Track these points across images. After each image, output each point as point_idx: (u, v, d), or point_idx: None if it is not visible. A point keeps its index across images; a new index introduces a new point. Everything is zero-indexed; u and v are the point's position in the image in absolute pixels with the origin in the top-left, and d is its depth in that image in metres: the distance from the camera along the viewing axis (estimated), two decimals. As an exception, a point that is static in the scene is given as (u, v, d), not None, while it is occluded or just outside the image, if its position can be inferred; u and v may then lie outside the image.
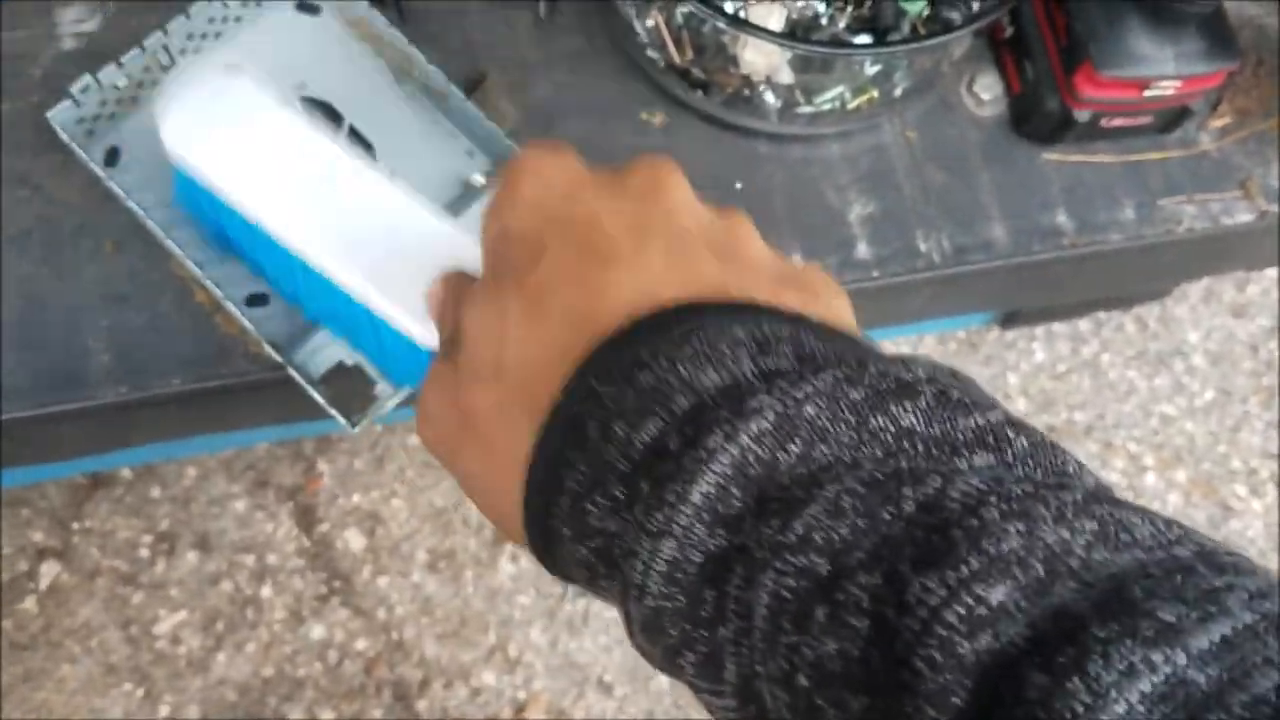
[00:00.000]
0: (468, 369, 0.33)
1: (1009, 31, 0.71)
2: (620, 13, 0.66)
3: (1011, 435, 0.27)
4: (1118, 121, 0.69)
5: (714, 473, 0.27)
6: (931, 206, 0.71)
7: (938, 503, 0.25)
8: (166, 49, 0.63)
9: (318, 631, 1.08)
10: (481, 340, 0.33)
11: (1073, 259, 0.73)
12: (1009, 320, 1.24)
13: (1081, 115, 0.67)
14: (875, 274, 0.70)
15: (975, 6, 0.66)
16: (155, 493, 1.10)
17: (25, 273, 0.61)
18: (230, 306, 0.58)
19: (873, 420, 0.27)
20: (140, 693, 1.05)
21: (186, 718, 1.05)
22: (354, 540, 1.11)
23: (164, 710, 1.05)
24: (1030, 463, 0.27)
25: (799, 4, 0.65)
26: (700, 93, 0.66)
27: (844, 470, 0.26)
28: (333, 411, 0.57)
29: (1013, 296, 0.96)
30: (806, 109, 0.66)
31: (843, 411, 0.27)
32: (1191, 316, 1.35)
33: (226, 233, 0.58)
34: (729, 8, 0.65)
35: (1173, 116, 0.71)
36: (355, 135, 0.65)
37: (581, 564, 0.30)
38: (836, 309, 0.33)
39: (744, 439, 0.27)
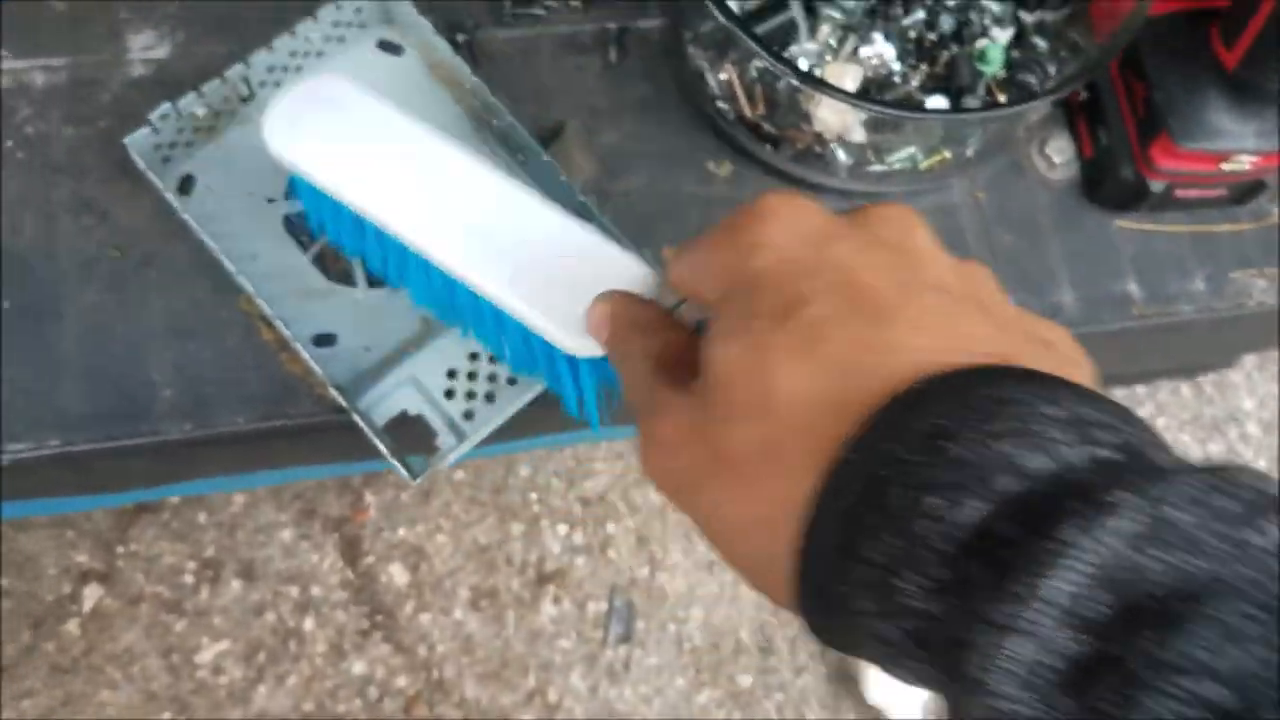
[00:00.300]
0: (722, 403, 0.32)
1: (1084, 96, 0.70)
2: (691, 63, 0.66)
3: None
4: (1192, 192, 0.68)
5: (1074, 569, 0.25)
6: (1000, 269, 0.70)
7: None
8: (247, 81, 0.63)
9: (359, 667, 1.07)
10: (739, 376, 0.31)
11: (1141, 329, 0.71)
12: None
13: (1156, 186, 0.67)
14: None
15: (1052, 70, 0.66)
16: (201, 518, 1.10)
17: (90, 301, 0.62)
18: (297, 346, 0.58)
19: (1249, 535, 0.25)
20: (179, 721, 1.05)
21: (223, 748, 1.05)
22: (398, 575, 1.11)
23: (201, 739, 1.05)
24: None
25: (874, 62, 0.64)
26: (770, 147, 0.65)
27: (1228, 588, 0.24)
28: (394, 463, 0.57)
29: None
30: (877, 167, 0.65)
31: (1213, 521, 0.25)
32: (1247, 383, 1.33)
33: (342, 235, 0.58)
34: (804, 65, 0.64)
35: (1247, 189, 0.70)
36: None
37: (882, 640, 0.28)
38: (1088, 371, 0.32)
39: (1105, 536, 0.25)
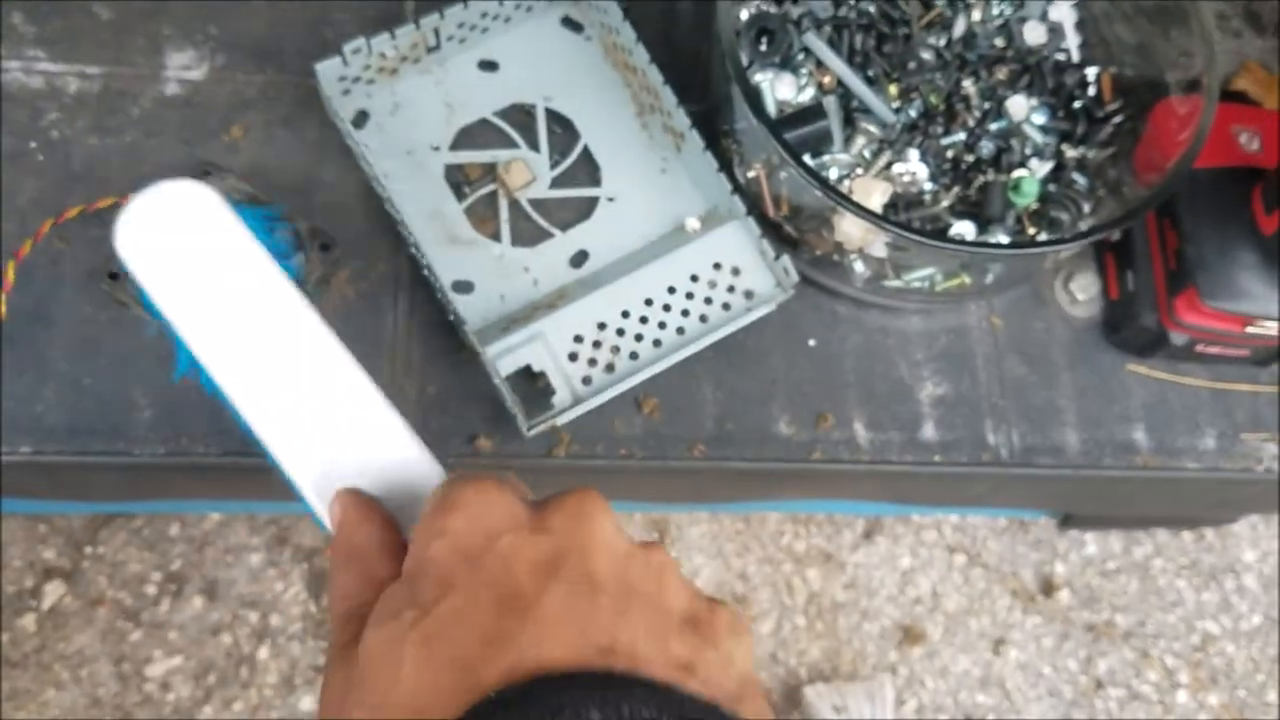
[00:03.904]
0: (358, 684, 0.34)
1: (1115, 236, 0.69)
2: (723, 153, 0.65)
3: None
4: (1213, 349, 0.67)
5: None
6: (1007, 399, 0.69)
7: None
8: (437, 31, 0.65)
9: (306, 703, 1.05)
10: (377, 666, 0.33)
11: (1143, 479, 0.70)
12: (1066, 521, 1.21)
13: (1178, 338, 0.65)
14: (938, 458, 0.67)
15: (1087, 207, 0.65)
16: (174, 530, 1.08)
17: (85, 314, 0.61)
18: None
19: None
20: (120, 732, 1.03)
21: (159, 765, 1.03)
22: (361, 615, 1.09)
23: (138, 753, 1.03)
24: None
25: (905, 179, 0.64)
26: (789, 248, 0.64)
27: None
28: (515, 411, 0.58)
29: (1075, 503, 0.94)
30: (894, 283, 0.64)
31: None
32: (1250, 535, 1.31)
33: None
34: (833, 174, 0.64)
35: (1271, 354, 0.69)
36: (587, 155, 0.68)
37: None
38: (731, 658, 0.33)
39: None
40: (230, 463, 0.60)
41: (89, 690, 1.03)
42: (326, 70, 0.62)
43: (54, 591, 1.04)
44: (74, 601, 1.04)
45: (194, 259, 0.48)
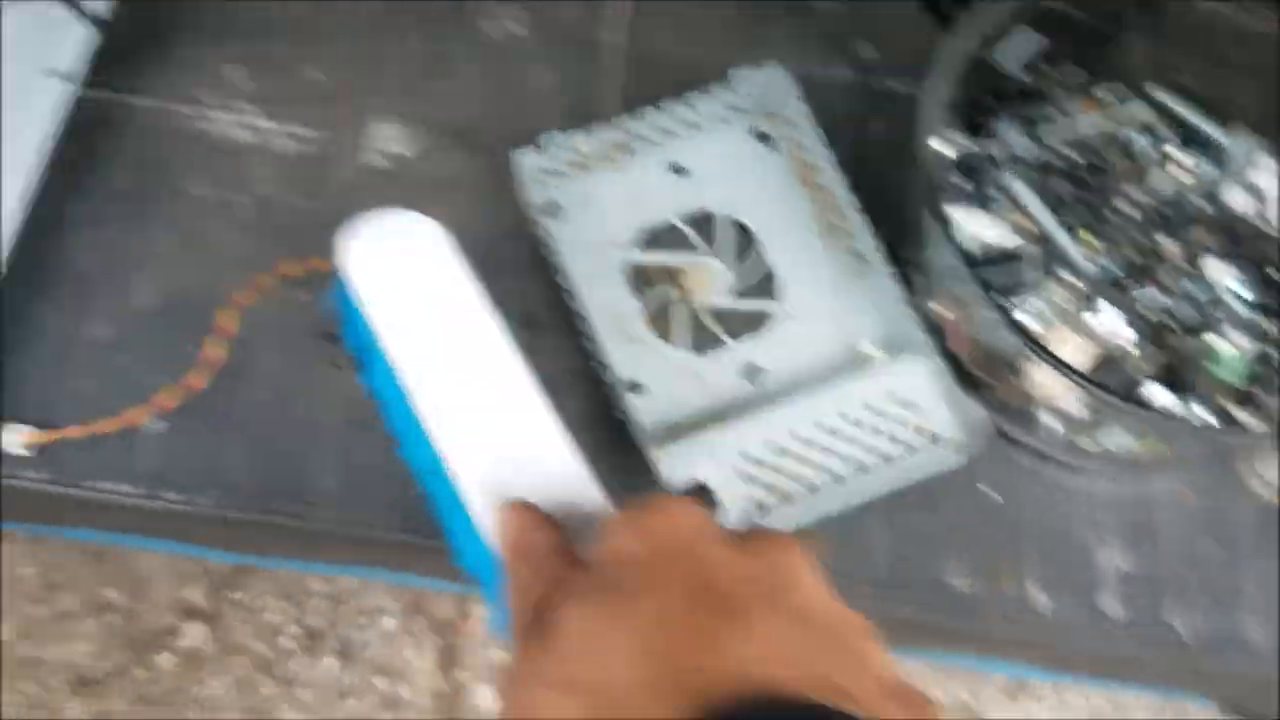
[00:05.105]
0: (559, 667, 0.33)
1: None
2: (908, 280, 0.63)
3: None
4: None
5: None
6: (1192, 580, 0.64)
7: None
8: (628, 130, 0.66)
9: (425, 783, 1.04)
10: (581, 649, 0.32)
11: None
12: (1235, 714, 1.12)
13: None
14: (1109, 630, 0.63)
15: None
16: (314, 585, 1.09)
17: (281, 374, 0.62)
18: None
19: None
20: (237, 787, 1.03)
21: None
22: (486, 699, 1.08)
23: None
24: None
25: (1101, 334, 0.60)
26: (970, 389, 0.62)
27: None
28: None
29: (1254, 702, 0.87)
30: (1084, 441, 0.61)
31: None
32: None
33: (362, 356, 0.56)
34: (1026, 321, 0.61)
35: None
36: (767, 268, 0.66)
37: None
38: None
39: None
40: (405, 540, 0.59)
41: (214, 738, 1.04)
42: (523, 159, 0.62)
43: (194, 633, 1.06)
44: (212, 646, 1.06)
45: (411, 278, 0.51)
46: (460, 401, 0.48)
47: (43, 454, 0.59)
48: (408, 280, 0.51)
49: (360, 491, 0.60)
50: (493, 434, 0.47)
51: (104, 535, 0.79)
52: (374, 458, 0.60)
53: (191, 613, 1.07)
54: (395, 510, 0.60)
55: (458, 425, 0.48)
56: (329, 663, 1.06)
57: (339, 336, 0.61)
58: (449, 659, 1.09)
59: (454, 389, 0.49)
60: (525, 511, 0.41)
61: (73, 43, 0.63)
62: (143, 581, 1.07)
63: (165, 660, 1.05)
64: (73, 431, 0.59)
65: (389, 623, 1.09)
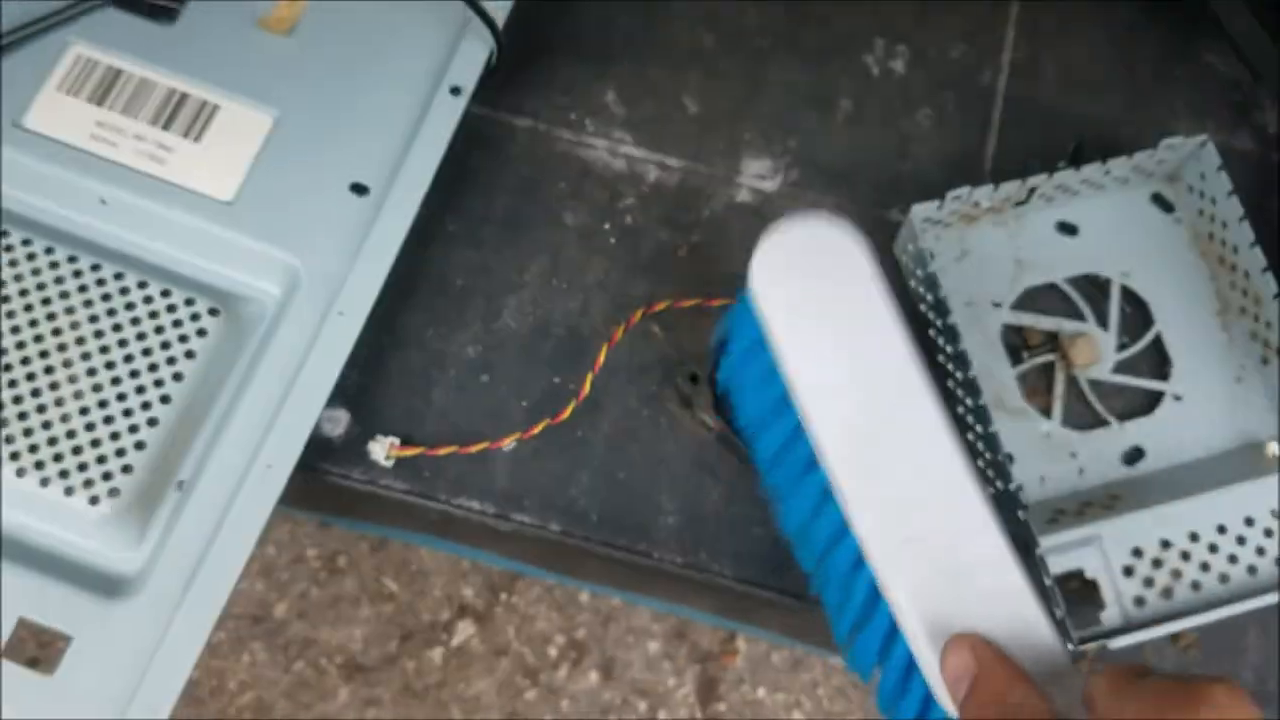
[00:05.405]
0: None
1: None
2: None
3: None
4: None
5: None
6: None
7: None
8: (1033, 190, 0.61)
9: (679, 812, 1.03)
10: None
11: None
12: None
13: None
14: None
15: None
16: (584, 598, 1.09)
17: (631, 408, 0.61)
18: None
19: None
20: (489, 789, 1.04)
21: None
22: (743, 735, 1.06)
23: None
24: None
25: None
26: None
27: None
28: (1064, 618, 0.52)
29: None
30: None
31: None
32: None
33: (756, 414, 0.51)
34: None
35: None
36: (1157, 344, 0.63)
37: None
38: None
39: None
40: (743, 590, 0.58)
41: (474, 737, 1.05)
42: (922, 211, 0.59)
43: (465, 630, 1.07)
44: (481, 646, 1.07)
45: (825, 308, 0.46)
46: (895, 500, 0.43)
47: (402, 464, 0.60)
48: (830, 320, 0.45)
49: (702, 533, 0.59)
50: (935, 547, 0.42)
51: (392, 531, 0.80)
52: (716, 499, 0.59)
53: (465, 610, 1.08)
54: (737, 556, 0.58)
55: (894, 533, 0.42)
56: (592, 677, 1.06)
57: (696, 377, 0.60)
58: (708, 691, 1.07)
59: (887, 483, 0.43)
60: (991, 655, 0.37)
61: (469, 57, 0.63)
62: (420, 575, 1.09)
63: (435, 655, 1.06)
64: (436, 450, 0.60)
65: (652, 646, 1.08)
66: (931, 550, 0.42)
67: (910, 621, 0.41)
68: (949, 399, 0.60)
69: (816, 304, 0.46)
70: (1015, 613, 0.41)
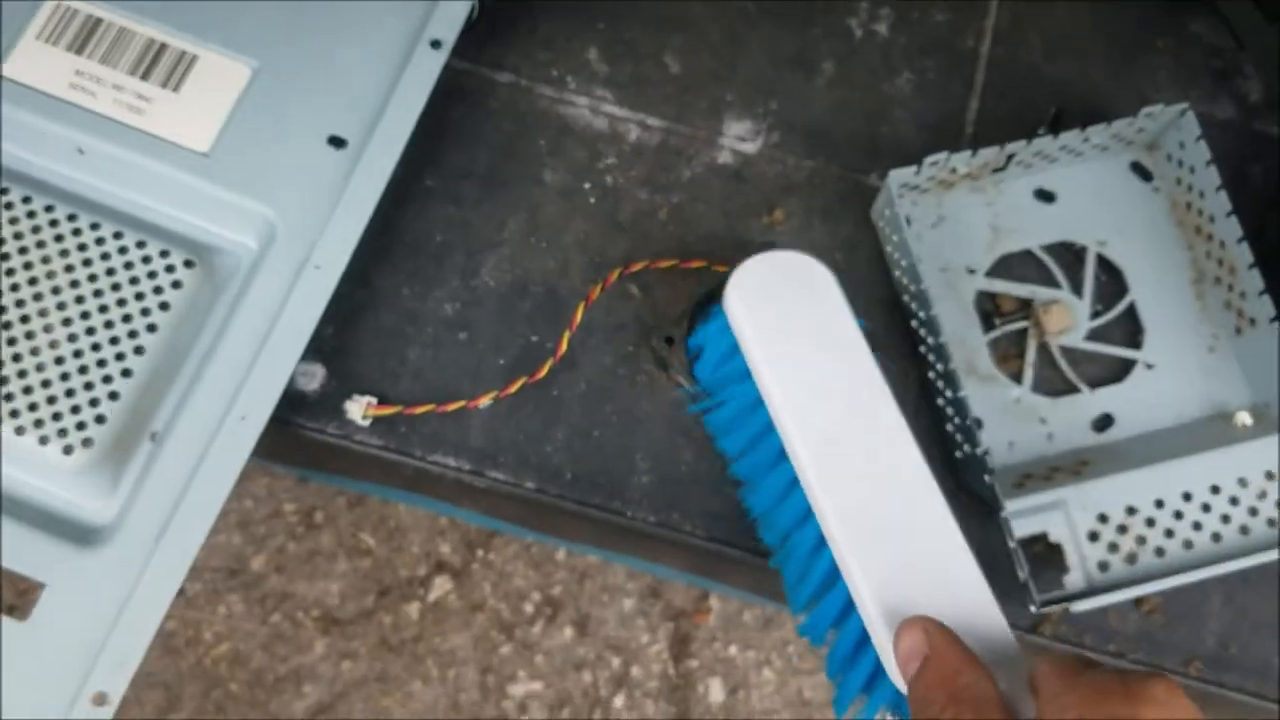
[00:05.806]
0: None
1: None
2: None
3: None
4: None
5: None
6: None
7: None
8: (1011, 156, 0.62)
9: (650, 765, 1.04)
10: None
11: None
12: None
13: None
14: None
15: None
16: (560, 555, 1.10)
17: (606, 366, 0.61)
18: (948, 415, 0.55)
19: None
20: (467, 740, 1.05)
21: (492, 781, 1.04)
22: (715, 691, 1.07)
23: (477, 765, 1.04)
24: None
25: None
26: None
27: None
28: (1028, 581, 0.54)
29: None
30: None
31: None
32: None
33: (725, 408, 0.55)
34: None
35: None
36: (1131, 312, 0.63)
37: None
38: None
39: None
40: (714, 549, 0.58)
41: (452, 693, 1.05)
42: (899, 176, 0.60)
43: (441, 586, 1.08)
44: (458, 601, 1.08)
45: (796, 327, 0.50)
46: (844, 477, 0.46)
47: (378, 419, 0.60)
48: (800, 336, 0.50)
49: (675, 493, 0.59)
50: (894, 536, 0.45)
51: (369, 487, 0.80)
52: (689, 459, 0.59)
53: (441, 566, 1.09)
54: (710, 516, 0.59)
55: (842, 504, 0.46)
56: (566, 633, 1.07)
57: (671, 339, 0.60)
58: (680, 647, 1.08)
59: (853, 479, 0.47)
60: (944, 639, 0.38)
61: (450, 10, 0.63)
62: (398, 531, 1.09)
63: (412, 610, 1.07)
64: (413, 409, 0.60)
65: (627, 604, 1.09)
66: (891, 540, 0.45)
67: (867, 603, 0.44)
68: (920, 364, 0.61)
69: (790, 321, 0.51)
70: (968, 600, 0.43)
